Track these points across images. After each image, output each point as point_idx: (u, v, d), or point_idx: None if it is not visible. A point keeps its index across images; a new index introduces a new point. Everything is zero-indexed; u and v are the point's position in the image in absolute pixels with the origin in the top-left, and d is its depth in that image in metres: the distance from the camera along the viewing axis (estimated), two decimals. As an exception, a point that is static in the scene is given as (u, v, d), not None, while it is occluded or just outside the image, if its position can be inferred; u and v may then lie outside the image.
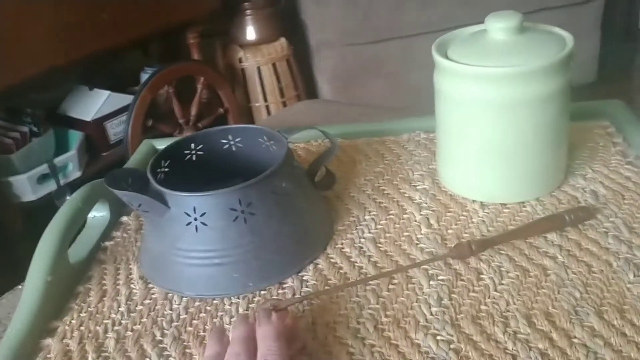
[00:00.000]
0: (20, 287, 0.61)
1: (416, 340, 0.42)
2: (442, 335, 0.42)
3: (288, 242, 0.50)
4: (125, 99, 1.51)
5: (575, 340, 0.40)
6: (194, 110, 1.60)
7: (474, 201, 0.56)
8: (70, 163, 1.40)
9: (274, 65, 1.78)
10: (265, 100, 1.80)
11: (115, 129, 1.50)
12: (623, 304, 0.42)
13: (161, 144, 0.72)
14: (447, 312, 0.44)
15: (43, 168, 1.34)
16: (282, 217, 0.49)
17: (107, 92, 1.48)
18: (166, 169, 0.54)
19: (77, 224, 0.54)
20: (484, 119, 0.52)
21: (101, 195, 0.58)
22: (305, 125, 0.58)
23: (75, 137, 1.46)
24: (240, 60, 1.77)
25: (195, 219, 0.47)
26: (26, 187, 1.33)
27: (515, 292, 0.45)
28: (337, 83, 1.84)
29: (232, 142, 0.58)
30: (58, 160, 1.37)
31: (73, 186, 1.40)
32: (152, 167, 0.51)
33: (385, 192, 0.59)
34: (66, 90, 1.58)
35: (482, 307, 0.44)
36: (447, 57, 0.53)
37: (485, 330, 0.42)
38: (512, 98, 0.50)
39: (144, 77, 1.65)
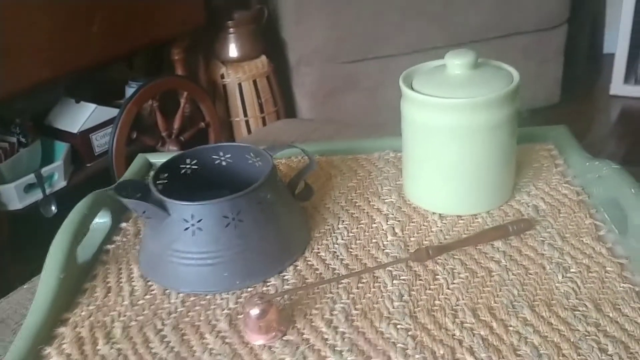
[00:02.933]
0: (25, 286, 0.68)
1: (380, 329, 0.50)
2: (402, 325, 0.50)
3: (271, 246, 0.57)
4: (110, 112, 1.56)
5: (511, 328, 0.48)
6: (176, 124, 1.67)
7: (434, 213, 0.64)
8: (56, 173, 1.45)
9: (254, 81, 1.86)
10: (245, 115, 1.87)
11: (100, 141, 1.56)
12: (551, 299, 0.51)
13: (154, 158, 0.79)
14: (407, 306, 0.52)
15: (30, 177, 1.39)
16: (267, 224, 0.57)
17: (93, 105, 1.53)
18: (165, 181, 0.61)
19: (84, 229, 0.61)
20: (442, 143, 0.61)
21: (103, 203, 0.65)
22: (285, 142, 0.66)
23: (61, 148, 1.51)
24: (222, 76, 1.85)
25: (193, 225, 0.54)
26: (13, 196, 1.37)
27: (464, 290, 0.53)
28: (314, 99, 1.93)
29: (222, 158, 0.65)
30: (44, 170, 1.42)
31: (58, 196, 1.45)
32: (153, 179, 0.58)
33: (357, 204, 0.67)
34: (50, 100, 1.63)
35: (436, 302, 0.52)
36: (412, 88, 0.61)
37: (437, 321, 0.50)
38: (467, 125, 0.59)
39: (129, 90, 1.72)
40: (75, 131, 1.51)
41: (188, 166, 0.64)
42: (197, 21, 1.71)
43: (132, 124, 1.55)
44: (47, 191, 1.43)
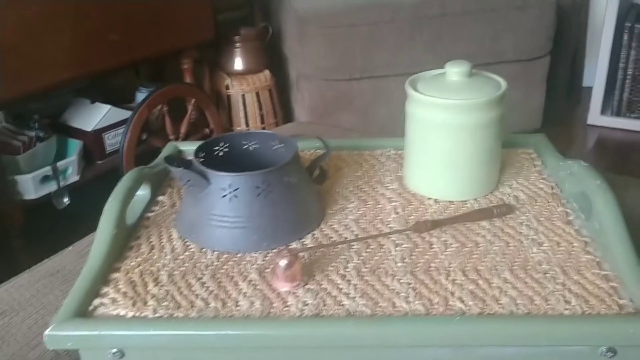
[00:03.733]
0: (69, 248, 0.77)
1: (386, 283, 0.60)
2: (403, 280, 0.60)
3: (294, 215, 0.67)
4: (123, 114, 1.67)
5: (494, 285, 0.59)
6: (183, 129, 1.77)
7: (429, 198, 0.75)
8: (70, 167, 1.55)
9: (257, 93, 1.97)
10: (247, 125, 1.98)
11: (111, 140, 1.66)
12: (527, 265, 0.61)
13: (183, 146, 0.89)
14: (408, 267, 0.62)
15: (46, 170, 1.48)
16: (290, 197, 0.67)
17: (108, 106, 1.64)
18: (202, 159, 0.71)
19: (131, 196, 0.70)
20: (441, 137, 0.72)
21: (145, 178, 0.75)
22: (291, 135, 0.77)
23: (75, 144, 1.60)
24: (226, 87, 1.96)
25: (230, 192, 0.64)
26: (29, 186, 1.46)
27: (455, 256, 0.63)
28: (312, 112, 2.04)
29: (250, 144, 0.76)
30: (60, 164, 1.51)
31: (70, 189, 1.54)
32: (194, 154, 0.69)
33: (363, 189, 0.78)
34: (61, 100, 1.73)
35: (432, 264, 0.62)
36: (416, 90, 0.73)
37: (433, 278, 0.60)
38: (461, 123, 0.70)
39: (139, 95, 1.82)
40: (89, 129, 1.60)
41: (221, 148, 0.74)
42: (207, 35, 1.83)
43: (143, 126, 1.64)
44: (61, 184, 1.51)
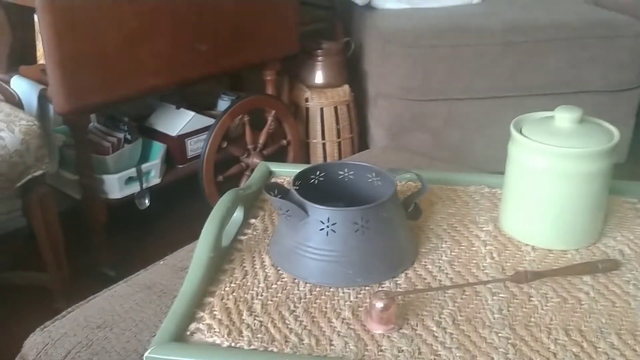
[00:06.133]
0: (161, 262, 0.79)
1: (483, 335, 0.58)
2: (502, 334, 0.58)
3: (389, 253, 0.67)
4: (205, 121, 1.70)
5: (600, 350, 0.56)
6: (262, 139, 1.79)
7: (527, 244, 0.72)
8: (153, 170, 1.59)
9: (335, 108, 1.97)
10: (323, 138, 1.99)
11: (193, 146, 1.69)
12: (635, 331, 0.58)
13: (274, 167, 0.90)
14: (506, 319, 0.60)
15: (131, 171, 1.53)
16: (387, 234, 0.66)
17: (192, 113, 1.68)
18: (297, 187, 0.72)
19: (228, 220, 0.71)
20: (544, 184, 0.69)
21: (239, 200, 0.76)
22: (402, 168, 0.76)
23: (159, 148, 1.65)
24: (306, 100, 1.97)
25: (328, 226, 0.64)
26: (115, 186, 1.51)
27: (557, 312, 0.61)
28: (388, 130, 2.03)
29: (346, 174, 0.75)
30: (144, 166, 1.56)
31: (152, 191, 1.59)
32: (292, 182, 0.69)
33: (456, 228, 0.76)
34: (148, 104, 1.79)
35: (532, 319, 0.60)
36: (522, 134, 0.70)
37: (534, 335, 0.58)
38: (570, 171, 0.67)
39: (222, 103, 1.86)
40: (173, 134, 1.65)
41: (316, 177, 0.75)
42: (292, 49, 1.85)
43: (223, 134, 1.67)
44: (144, 185, 1.56)
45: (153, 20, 1.45)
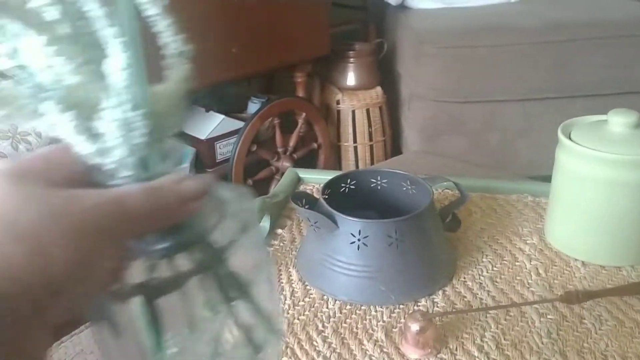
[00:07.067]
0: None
1: (530, 361, 0.53)
2: (552, 361, 0.53)
3: (425, 268, 0.62)
4: (235, 124, 1.67)
5: (663, 381, 0.50)
6: (292, 142, 1.76)
7: (576, 260, 0.66)
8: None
9: (367, 110, 1.92)
10: (355, 141, 1.94)
11: (222, 149, 1.67)
12: None
13: (302, 173, 0.86)
14: (556, 344, 0.54)
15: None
16: (423, 248, 0.61)
17: (221, 116, 1.65)
18: (326, 196, 0.67)
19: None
20: (595, 193, 0.63)
21: (266, 209, 0.72)
22: (439, 176, 0.71)
23: (189, 152, 1.63)
24: (337, 102, 1.93)
25: (359, 239, 0.60)
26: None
27: (613, 337, 0.55)
28: (423, 133, 1.97)
29: (379, 182, 0.71)
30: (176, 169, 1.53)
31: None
32: (321, 192, 0.65)
33: (498, 241, 0.71)
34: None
35: (585, 344, 0.54)
36: (570, 139, 0.65)
37: (587, 362, 0.52)
38: (623, 180, 0.61)
39: (252, 105, 1.83)
40: (203, 137, 1.62)
41: (347, 186, 0.70)
42: (323, 50, 1.81)
43: (253, 137, 1.64)
44: (172, 190, 1.54)
45: (189, 27, 1.43)
